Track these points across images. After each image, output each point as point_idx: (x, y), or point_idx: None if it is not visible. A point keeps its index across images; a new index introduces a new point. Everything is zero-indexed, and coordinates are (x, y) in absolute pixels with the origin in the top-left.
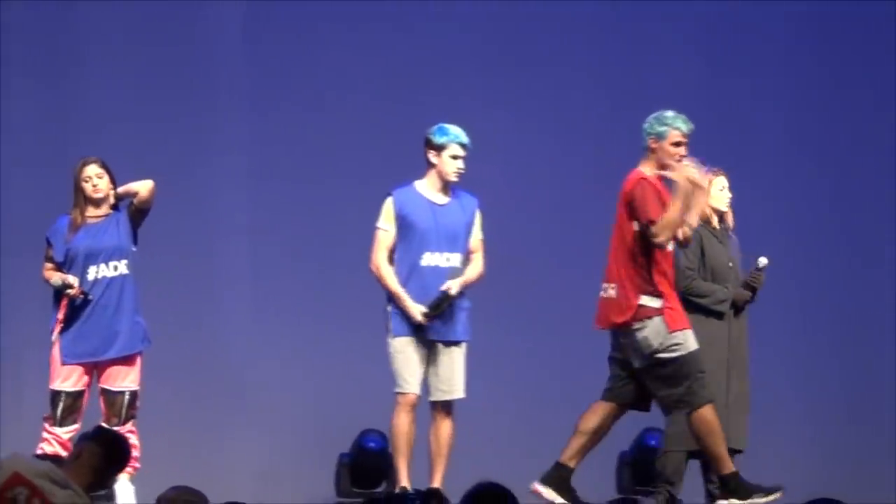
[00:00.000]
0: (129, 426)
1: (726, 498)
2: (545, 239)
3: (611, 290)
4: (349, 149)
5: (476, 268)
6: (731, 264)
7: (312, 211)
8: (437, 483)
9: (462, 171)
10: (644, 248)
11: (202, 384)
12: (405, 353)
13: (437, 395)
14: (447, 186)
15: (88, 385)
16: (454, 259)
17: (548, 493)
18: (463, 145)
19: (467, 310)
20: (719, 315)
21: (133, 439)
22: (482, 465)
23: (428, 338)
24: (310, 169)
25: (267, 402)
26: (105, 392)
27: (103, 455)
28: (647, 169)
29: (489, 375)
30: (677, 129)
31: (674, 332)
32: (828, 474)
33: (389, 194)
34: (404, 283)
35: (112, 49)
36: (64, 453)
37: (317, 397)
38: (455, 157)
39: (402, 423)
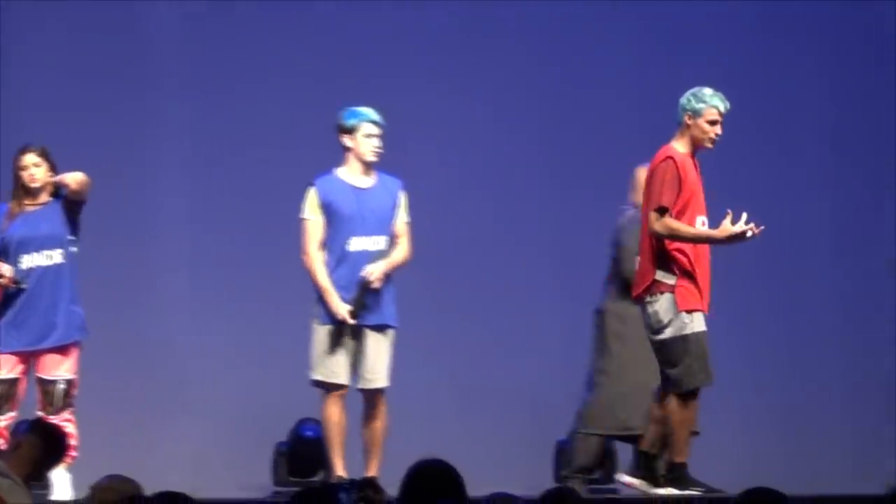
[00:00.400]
0: (65, 415)
1: (666, 486)
2: (477, 224)
3: (638, 261)
4: (289, 138)
5: (401, 252)
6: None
7: (250, 200)
8: (372, 472)
9: (378, 150)
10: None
11: (139, 373)
12: (329, 342)
13: (362, 383)
14: (368, 169)
15: (25, 373)
16: (381, 242)
17: (641, 483)
18: (375, 122)
19: (393, 294)
20: None
21: (70, 428)
22: (419, 452)
23: (354, 324)
24: (248, 158)
25: (203, 391)
26: (41, 381)
27: (42, 447)
28: (680, 145)
29: (423, 362)
30: (714, 107)
31: (682, 311)
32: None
33: (311, 184)
34: (334, 270)
35: (51, 38)
36: (0, 440)
37: (254, 386)
38: (369, 136)
39: (332, 414)
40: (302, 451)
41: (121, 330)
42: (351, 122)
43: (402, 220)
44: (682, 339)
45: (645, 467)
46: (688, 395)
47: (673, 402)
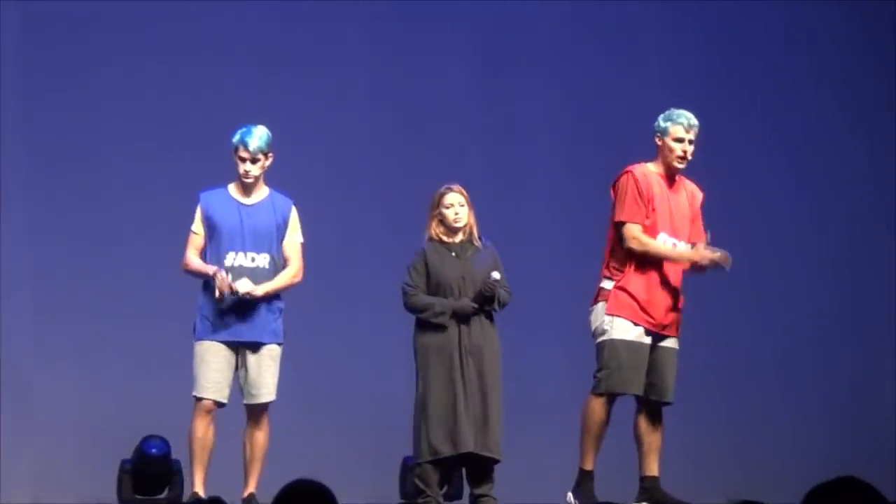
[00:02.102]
0: None
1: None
2: (362, 238)
3: None
4: (136, 146)
5: (289, 272)
6: (464, 277)
7: (96, 208)
8: (251, 489)
9: (249, 174)
10: (616, 233)
11: None
12: (205, 357)
13: (245, 398)
14: (255, 186)
15: None
16: (260, 259)
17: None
18: (245, 146)
19: (279, 311)
20: (441, 327)
21: None
22: (301, 469)
23: (233, 340)
24: (92, 166)
25: (47, 404)
26: None
27: None
28: (654, 165)
29: (307, 378)
30: (679, 125)
31: (607, 315)
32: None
33: (198, 198)
34: (208, 283)
35: None
36: None
37: (99, 401)
38: (242, 160)
39: (197, 429)
40: (147, 469)
41: None
42: (234, 140)
43: (291, 241)
44: (602, 345)
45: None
46: (602, 398)
47: (587, 403)
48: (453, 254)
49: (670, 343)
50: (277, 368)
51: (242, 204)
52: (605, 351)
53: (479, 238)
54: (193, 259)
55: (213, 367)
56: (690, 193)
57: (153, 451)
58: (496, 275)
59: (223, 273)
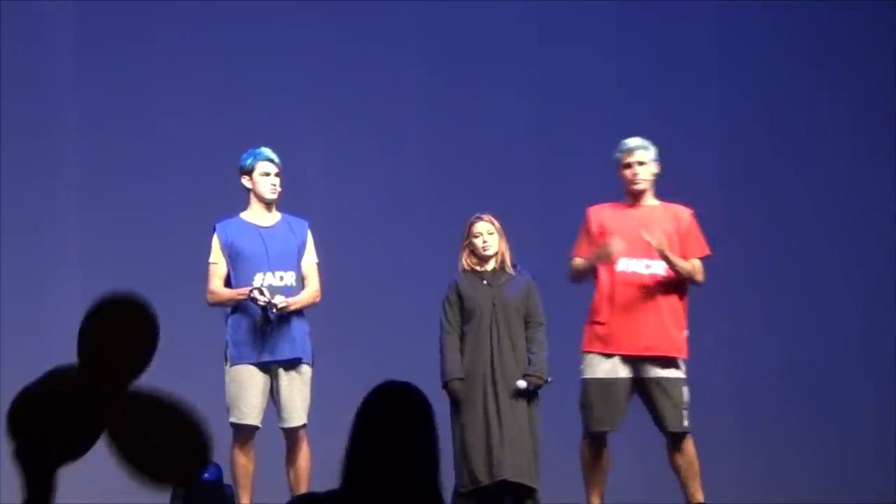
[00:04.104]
0: None
1: None
2: (385, 256)
3: None
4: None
5: (309, 292)
6: (494, 304)
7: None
8: None
9: (276, 188)
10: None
11: None
12: (243, 383)
13: (280, 422)
14: (270, 208)
15: None
16: (288, 278)
17: None
18: (270, 160)
19: (306, 332)
20: (471, 352)
21: None
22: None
23: (270, 360)
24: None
25: None
26: None
27: None
28: (613, 204)
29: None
30: (622, 153)
31: (582, 353)
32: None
33: (214, 229)
34: (237, 307)
35: None
36: None
37: None
38: (266, 175)
39: (238, 456)
40: (200, 494)
41: None
42: (247, 161)
43: (308, 261)
44: (582, 384)
45: None
46: (586, 439)
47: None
48: (485, 282)
49: (659, 372)
50: (308, 391)
51: (261, 227)
52: (581, 391)
53: (514, 265)
54: (221, 288)
55: (251, 393)
56: (672, 215)
57: (206, 476)
58: (522, 384)
59: (263, 287)
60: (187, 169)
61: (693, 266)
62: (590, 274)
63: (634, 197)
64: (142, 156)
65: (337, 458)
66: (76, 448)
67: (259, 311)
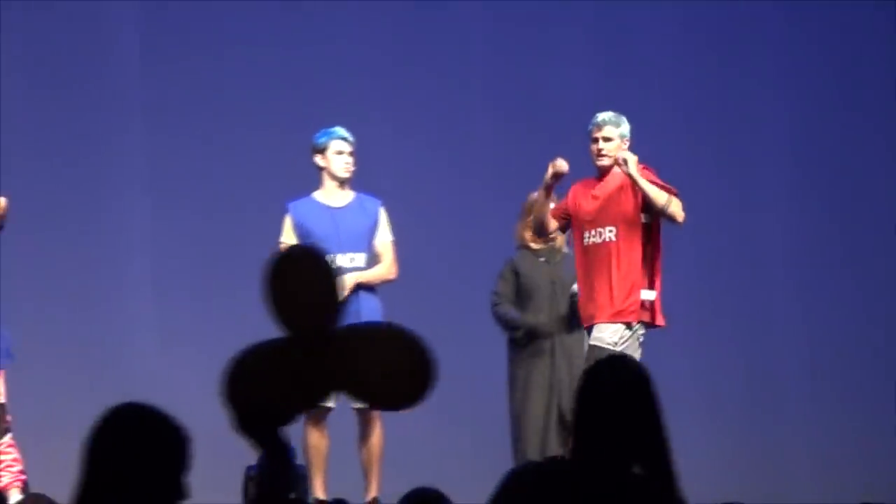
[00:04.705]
0: (6, 440)
1: None
2: (454, 232)
3: None
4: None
5: (382, 268)
6: (554, 282)
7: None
8: (372, 494)
9: (350, 167)
10: None
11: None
12: None
13: (352, 403)
14: (343, 187)
15: None
16: (359, 259)
17: None
18: (344, 139)
19: (375, 307)
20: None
21: (13, 454)
22: (421, 475)
23: None
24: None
25: (170, 402)
26: None
27: None
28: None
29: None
30: (591, 126)
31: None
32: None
33: (286, 209)
34: None
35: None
36: None
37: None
38: (340, 153)
39: (311, 436)
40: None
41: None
42: (321, 140)
43: (382, 240)
44: None
45: None
46: None
47: None
48: (543, 259)
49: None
50: None
51: (333, 208)
52: None
53: (567, 244)
54: None
55: None
56: (619, 178)
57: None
58: (576, 287)
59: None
60: (257, 149)
61: (669, 199)
62: (545, 212)
63: (600, 171)
64: (210, 139)
65: (407, 436)
66: (296, 404)
67: None
